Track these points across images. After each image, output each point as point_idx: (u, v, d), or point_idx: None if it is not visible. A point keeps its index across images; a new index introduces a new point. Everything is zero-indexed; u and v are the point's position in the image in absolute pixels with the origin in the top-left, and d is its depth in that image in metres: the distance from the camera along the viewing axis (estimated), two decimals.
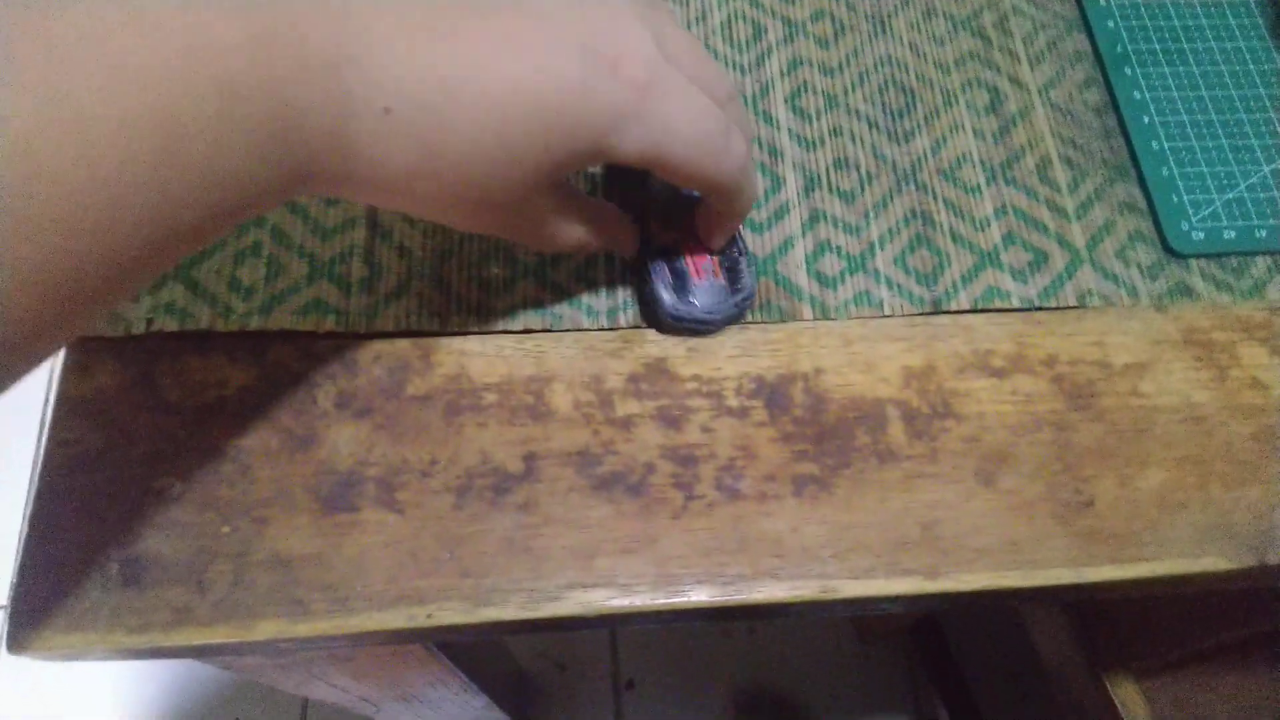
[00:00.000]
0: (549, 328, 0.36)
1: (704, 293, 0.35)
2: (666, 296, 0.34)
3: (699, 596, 0.32)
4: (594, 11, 0.26)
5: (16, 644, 0.30)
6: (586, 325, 0.36)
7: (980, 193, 0.40)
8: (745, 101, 0.41)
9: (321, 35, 0.22)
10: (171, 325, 0.34)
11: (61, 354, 0.34)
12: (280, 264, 0.36)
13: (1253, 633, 0.66)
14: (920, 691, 1.16)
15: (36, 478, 0.32)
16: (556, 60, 0.25)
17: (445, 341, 0.35)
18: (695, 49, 0.29)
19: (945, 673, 1.08)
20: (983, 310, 0.37)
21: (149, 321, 0.34)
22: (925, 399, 0.35)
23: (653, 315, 0.35)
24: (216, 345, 0.35)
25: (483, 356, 0.35)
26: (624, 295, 0.36)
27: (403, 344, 0.35)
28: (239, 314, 0.35)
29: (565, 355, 0.35)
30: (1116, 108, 0.42)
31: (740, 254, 0.36)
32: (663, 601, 0.31)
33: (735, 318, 0.36)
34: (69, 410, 0.33)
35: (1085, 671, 0.71)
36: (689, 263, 0.35)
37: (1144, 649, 0.67)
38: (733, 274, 0.35)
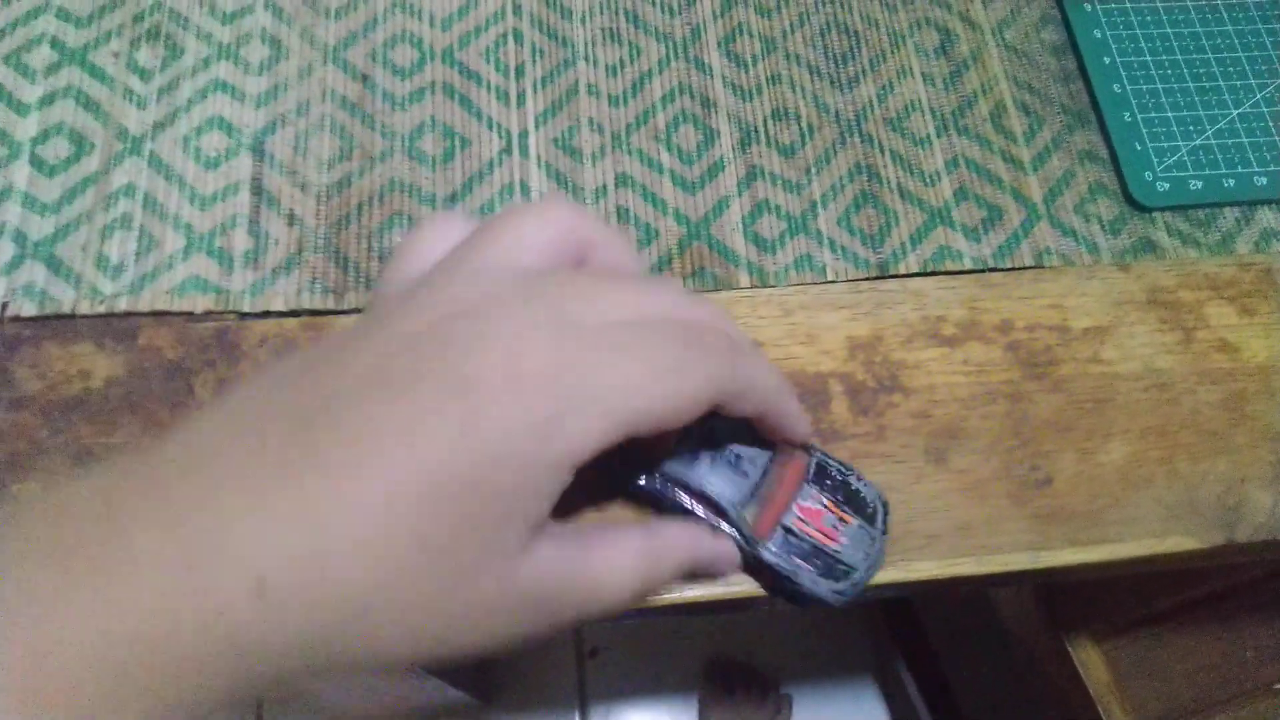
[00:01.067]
0: None
1: (850, 549, 0.27)
2: (819, 586, 0.27)
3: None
4: (462, 348, 0.21)
5: None
6: None
7: (930, 144, 0.37)
8: (674, 48, 0.37)
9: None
10: (29, 309, 0.31)
11: None
12: (153, 237, 0.32)
13: (1208, 591, 0.66)
14: (885, 655, 1.16)
15: None
16: (436, 447, 0.20)
17: (342, 321, 0.32)
18: (607, 285, 0.23)
19: (909, 636, 1.07)
20: (933, 273, 0.34)
21: (3, 305, 0.31)
22: (871, 372, 0.32)
23: (807, 599, 0.28)
24: (81, 331, 0.31)
25: None
26: None
27: (292, 324, 0.32)
28: (107, 295, 0.31)
29: None
30: (1076, 48, 0.39)
31: (844, 473, 0.28)
32: None
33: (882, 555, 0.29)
34: None
35: (1047, 633, 0.70)
36: (801, 526, 0.27)
37: (1105, 610, 0.66)
38: (852, 500, 0.28)
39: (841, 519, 0.28)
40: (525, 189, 0.34)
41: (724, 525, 0.26)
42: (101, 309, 0.31)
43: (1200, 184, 0.36)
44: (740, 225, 0.34)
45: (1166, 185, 0.36)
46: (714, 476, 0.26)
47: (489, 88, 0.36)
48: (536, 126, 0.35)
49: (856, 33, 0.39)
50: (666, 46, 0.37)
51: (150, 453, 0.20)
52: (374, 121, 0.35)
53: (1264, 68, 0.39)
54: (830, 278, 0.33)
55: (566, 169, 0.35)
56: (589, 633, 1.17)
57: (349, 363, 0.21)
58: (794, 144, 0.36)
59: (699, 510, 0.26)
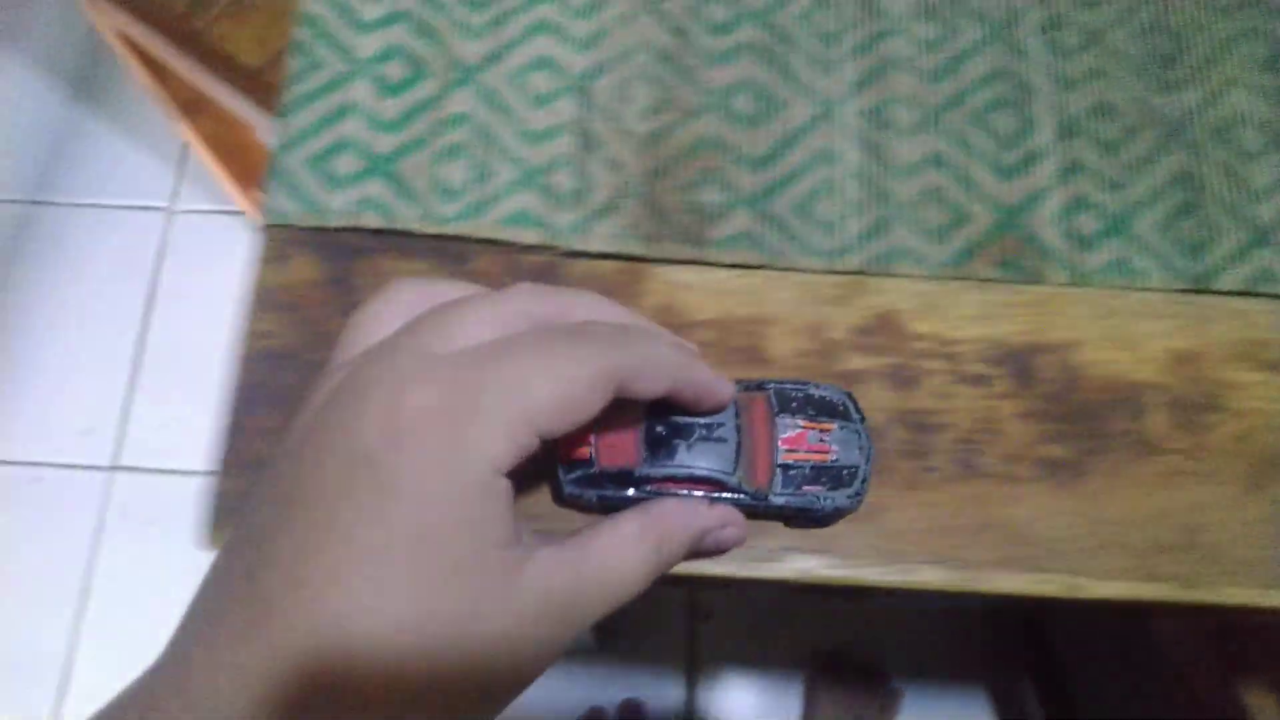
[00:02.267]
0: (766, 264, 0.33)
1: (844, 452, 0.28)
2: (836, 499, 0.28)
3: (929, 577, 0.29)
4: (350, 431, 0.21)
5: (218, 541, 0.29)
6: (807, 265, 0.33)
7: (1257, 160, 0.35)
8: (992, 30, 0.36)
9: None
10: (374, 221, 0.32)
11: (261, 239, 0.32)
12: (486, 167, 0.33)
13: None
14: (1003, 666, 1.13)
15: (236, 366, 0.30)
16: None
17: (656, 269, 0.33)
18: (462, 309, 0.23)
19: (1037, 652, 1.05)
20: (1256, 294, 0.33)
21: (352, 216, 0.32)
22: (1192, 387, 0.31)
23: (831, 517, 0.29)
24: (417, 248, 0.32)
25: (696, 290, 0.32)
26: (851, 236, 0.33)
27: (608, 266, 0.32)
28: (444, 217, 0.32)
29: (785, 298, 0.32)
30: None
31: (801, 388, 0.29)
32: (889, 578, 0.29)
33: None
34: (264, 302, 0.31)
35: (1217, 673, 0.67)
36: (793, 456, 0.28)
37: None
38: (823, 408, 0.29)
39: (823, 430, 0.28)
40: (837, 158, 0.34)
41: (728, 495, 0.27)
42: (437, 230, 0.32)
43: None
44: (1055, 219, 0.34)
45: None
46: (695, 457, 0.26)
47: (803, 52, 0.36)
48: (850, 96, 0.35)
49: (1180, 35, 0.37)
50: (984, 28, 0.36)
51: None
52: (691, 76, 0.35)
53: None
54: (1148, 285, 0.32)
55: (879, 142, 0.34)
56: (705, 596, 1.18)
57: (283, 497, 0.21)
58: (1115, 142, 0.35)
59: (699, 495, 0.27)
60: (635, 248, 0.33)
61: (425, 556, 0.20)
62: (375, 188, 0.33)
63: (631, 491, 0.27)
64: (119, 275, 1.26)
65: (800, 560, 0.29)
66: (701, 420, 0.27)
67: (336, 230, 0.32)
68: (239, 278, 1.24)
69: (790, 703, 1.14)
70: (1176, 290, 0.33)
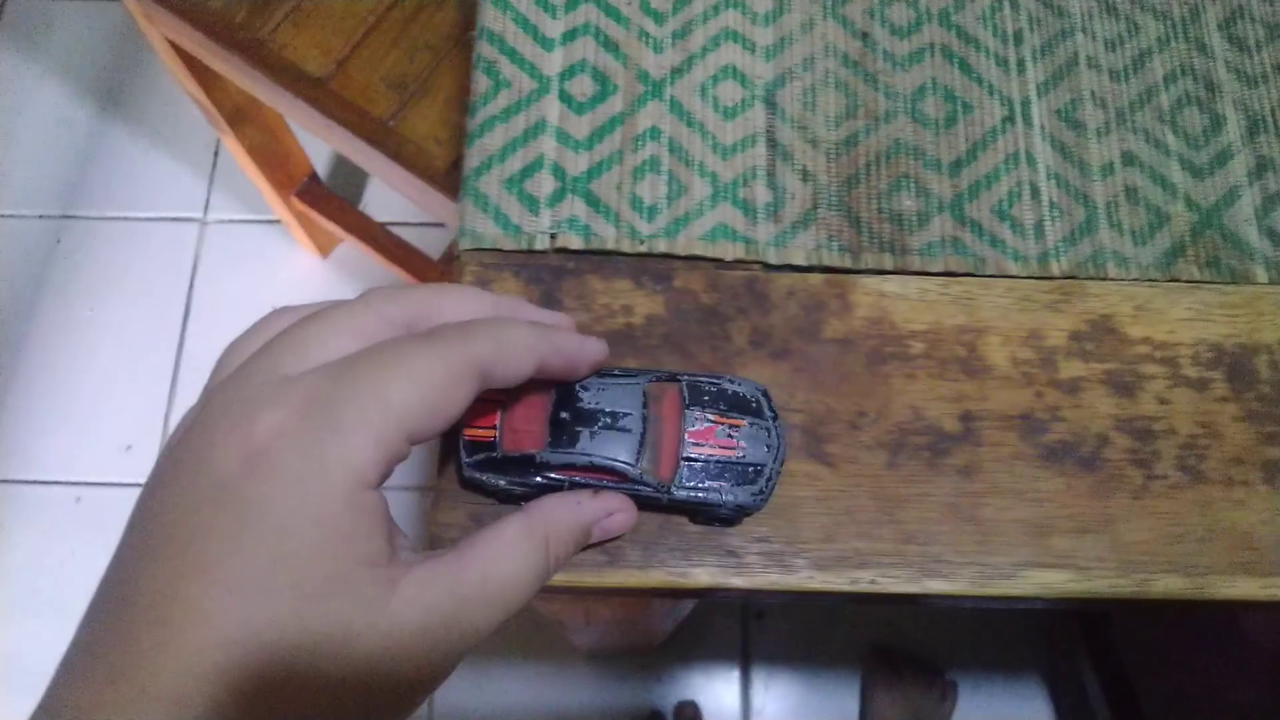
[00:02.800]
0: (973, 271, 0.32)
1: (751, 449, 0.28)
2: (738, 496, 0.27)
3: (1165, 587, 0.29)
4: (203, 460, 0.21)
5: None
6: (1015, 271, 0.32)
7: None
8: (1173, 27, 0.36)
9: None
10: (576, 242, 0.31)
11: (462, 264, 0.31)
12: (680, 183, 0.33)
13: None
14: (1059, 653, 1.14)
15: None
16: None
17: (862, 280, 0.32)
18: (315, 322, 0.23)
19: (1094, 638, 1.05)
20: None
21: (552, 237, 0.31)
22: None
23: (733, 514, 0.28)
24: (621, 268, 0.32)
25: (905, 300, 0.32)
26: (1054, 239, 0.33)
27: (815, 279, 0.32)
28: (644, 235, 0.32)
29: (997, 305, 0.32)
30: None
31: (715, 382, 0.28)
32: (1126, 589, 0.28)
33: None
34: None
35: None
36: (699, 450, 0.27)
37: None
38: (735, 403, 0.28)
39: (732, 425, 0.27)
40: (1031, 160, 0.34)
41: (629, 486, 0.26)
42: (640, 249, 0.31)
43: None
44: (1253, 217, 0.33)
45: None
46: (597, 445, 0.26)
47: (987, 53, 0.35)
48: (1038, 96, 0.35)
49: None
50: (1164, 25, 0.36)
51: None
52: (876, 80, 0.34)
53: None
54: None
55: (1071, 143, 0.34)
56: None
57: (143, 532, 0.21)
58: None
59: (605, 485, 0.26)
60: (837, 259, 0.32)
61: (289, 582, 0.20)
62: (573, 207, 0.32)
63: (533, 477, 0.26)
64: (154, 288, 1.24)
65: (1039, 575, 0.29)
66: (606, 408, 0.26)
67: (536, 252, 0.31)
68: (275, 286, 1.23)
69: (845, 700, 1.14)
70: None
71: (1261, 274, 0.32)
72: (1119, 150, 0.34)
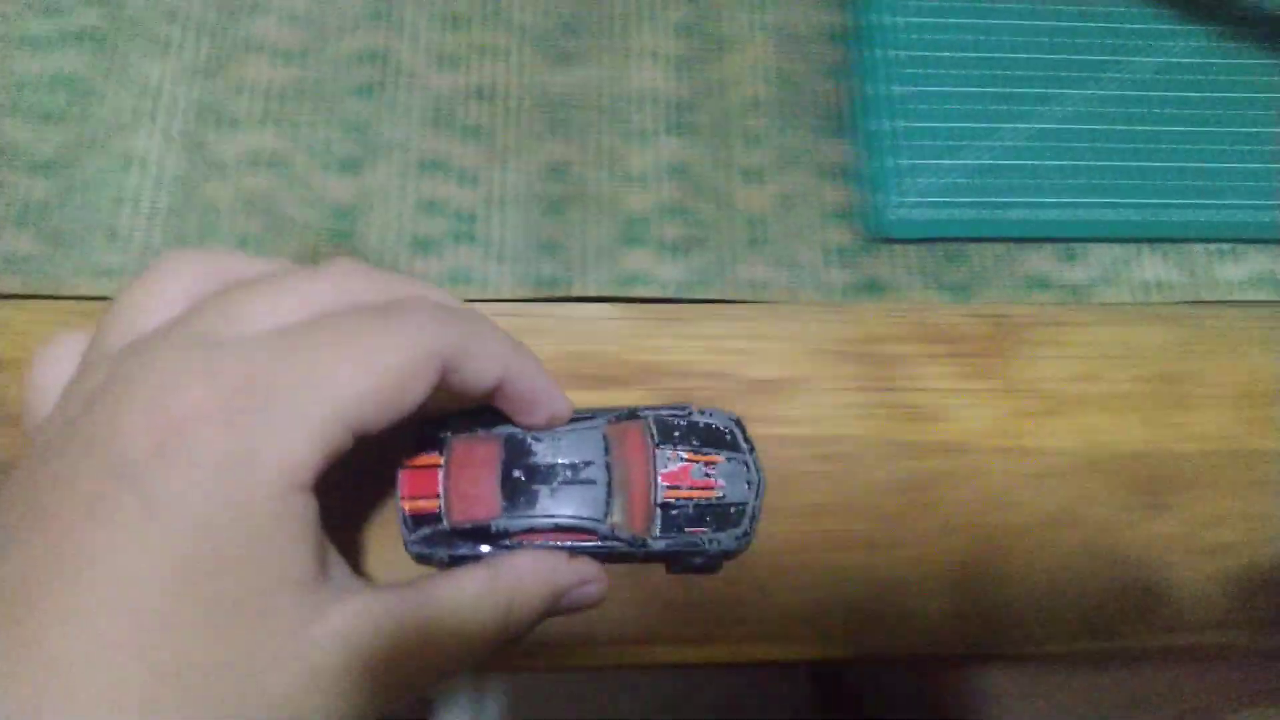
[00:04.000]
0: None
1: (731, 487, 0.25)
2: (722, 542, 0.25)
3: None
4: (102, 431, 0.17)
5: None
6: None
7: None
8: None
9: None
10: None
11: None
12: None
13: None
14: None
15: None
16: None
17: None
18: (260, 288, 0.20)
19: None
20: None
21: None
22: None
23: (717, 560, 0.26)
24: None
25: None
26: None
27: None
28: None
29: None
30: (852, 35, 0.33)
31: (682, 414, 0.26)
32: None
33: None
34: None
35: None
36: (675, 494, 0.24)
37: None
38: (708, 437, 0.25)
39: (708, 463, 0.25)
40: None
41: (601, 545, 0.24)
42: None
43: (959, 214, 0.31)
44: None
45: (918, 213, 0.31)
46: (560, 503, 0.23)
47: None
48: None
49: None
50: None
51: None
52: None
53: (1070, 74, 0.33)
54: None
55: None
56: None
57: (11, 512, 0.17)
58: None
59: (569, 545, 0.24)
60: None
61: (193, 594, 0.16)
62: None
63: (487, 548, 0.23)
64: None
65: None
66: (565, 460, 0.24)
67: None
68: None
69: None
70: None
71: None
72: None
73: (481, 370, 0.20)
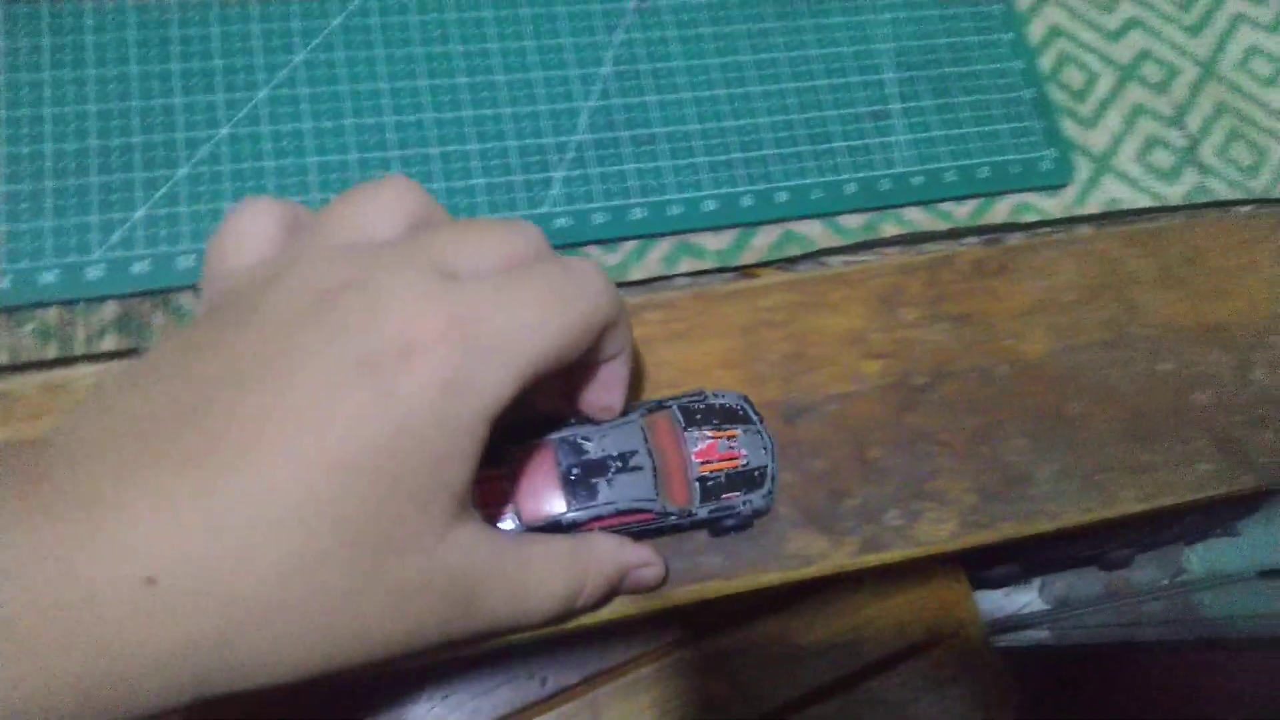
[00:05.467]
0: None
1: (752, 455, 0.29)
2: (753, 502, 0.28)
3: None
4: (354, 320, 0.19)
5: None
6: None
7: None
8: None
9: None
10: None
11: None
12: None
13: None
14: None
15: None
16: (339, 421, 0.18)
17: None
18: (477, 232, 0.22)
19: None
20: None
21: None
22: None
23: (750, 519, 0.29)
24: None
25: None
26: None
27: None
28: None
29: None
30: None
31: (699, 400, 0.29)
32: None
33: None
34: None
35: None
36: (708, 468, 0.28)
37: None
38: (725, 416, 0.29)
39: (729, 438, 0.28)
40: None
41: (655, 522, 0.27)
42: None
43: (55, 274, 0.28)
44: None
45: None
46: (618, 491, 0.26)
47: None
48: None
49: None
50: None
51: (31, 450, 0.18)
52: None
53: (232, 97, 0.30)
54: None
55: None
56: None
57: (232, 349, 0.19)
58: None
59: (630, 525, 0.27)
60: None
61: (380, 470, 0.18)
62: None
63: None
64: None
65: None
66: (614, 452, 0.27)
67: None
68: None
69: None
70: None
71: None
72: None
73: (616, 341, 0.23)
